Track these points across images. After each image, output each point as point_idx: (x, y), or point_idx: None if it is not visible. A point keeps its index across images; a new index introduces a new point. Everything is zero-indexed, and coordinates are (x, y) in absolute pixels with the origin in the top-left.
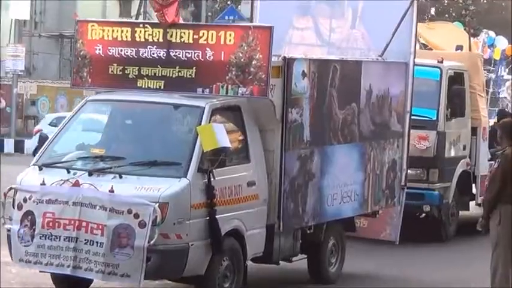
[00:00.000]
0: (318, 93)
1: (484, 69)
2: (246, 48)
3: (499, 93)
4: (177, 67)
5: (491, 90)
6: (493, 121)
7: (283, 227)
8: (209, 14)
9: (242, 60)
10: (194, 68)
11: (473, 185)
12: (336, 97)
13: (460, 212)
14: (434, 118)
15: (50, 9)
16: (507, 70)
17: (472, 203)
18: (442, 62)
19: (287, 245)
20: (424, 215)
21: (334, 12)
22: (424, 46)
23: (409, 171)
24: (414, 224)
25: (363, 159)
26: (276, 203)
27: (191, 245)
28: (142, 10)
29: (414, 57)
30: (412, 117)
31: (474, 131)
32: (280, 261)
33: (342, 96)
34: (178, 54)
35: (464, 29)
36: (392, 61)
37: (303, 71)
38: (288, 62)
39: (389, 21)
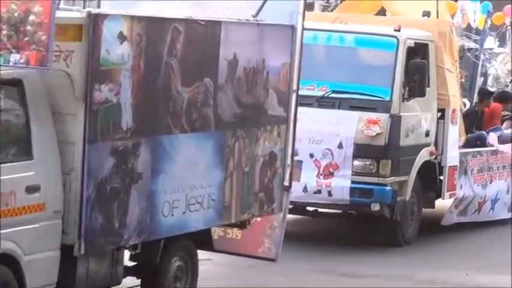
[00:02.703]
0: (148, 63)
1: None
2: None
3: (487, 68)
4: None
5: (480, 65)
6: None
7: (86, 249)
8: None
9: (16, 14)
10: None
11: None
12: (179, 70)
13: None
14: (388, 98)
15: None
16: (497, 42)
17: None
18: (399, 30)
19: (101, 272)
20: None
21: None
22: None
23: (356, 162)
24: (367, 226)
25: (222, 153)
26: (76, 215)
27: None
28: None
29: (303, 19)
30: (360, 96)
31: (442, 113)
32: None
33: (189, 68)
34: None
35: None
36: (270, 23)
37: (121, 33)
38: (95, 20)
39: None
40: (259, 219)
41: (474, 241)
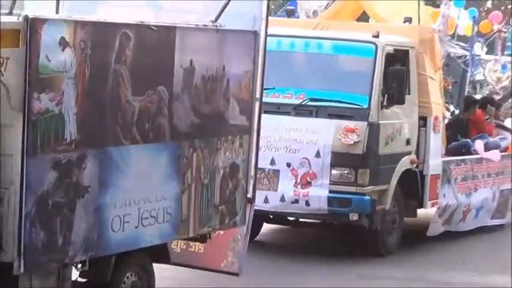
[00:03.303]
0: (94, 71)
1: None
2: None
3: (474, 75)
4: None
5: (469, 73)
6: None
7: (26, 267)
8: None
9: None
10: None
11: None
12: (129, 77)
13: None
14: (366, 106)
15: None
16: (485, 49)
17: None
18: (377, 36)
19: None
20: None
21: None
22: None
23: (334, 171)
24: (349, 235)
25: (179, 164)
26: (15, 232)
27: None
28: None
29: (267, 25)
30: (338, 104)
31: (424, 121)
32: None
33: (140, 76)
34: None
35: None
36: (231, 29)
37: (63, 39)
38: (33, 24)
39: None
40: (221, 232)
41: (461, 249)
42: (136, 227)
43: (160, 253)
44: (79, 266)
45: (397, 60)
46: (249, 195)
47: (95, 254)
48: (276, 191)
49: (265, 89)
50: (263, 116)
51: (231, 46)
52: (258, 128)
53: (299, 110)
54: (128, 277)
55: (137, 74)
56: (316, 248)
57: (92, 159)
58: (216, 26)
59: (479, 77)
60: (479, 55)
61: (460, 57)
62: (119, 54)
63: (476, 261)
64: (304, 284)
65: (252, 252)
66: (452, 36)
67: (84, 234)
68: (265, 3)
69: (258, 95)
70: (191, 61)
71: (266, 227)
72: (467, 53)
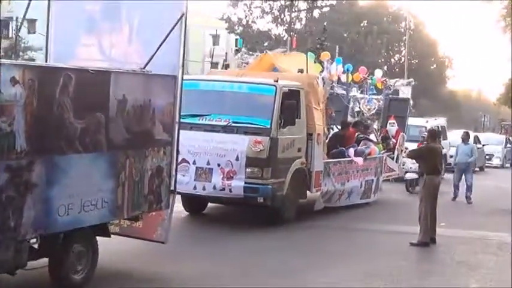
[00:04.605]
0: (40, 101)
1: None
2: None
3: (353, 108)
4: None
5: (351, 105)
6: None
7: None
8: None
9: None
10: None
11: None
12: (71, 106)
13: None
14: (269, 126)
15: None
16: (359, 91)
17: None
18: (277, 81)
19: (5, 259)
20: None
21: (114, 28)
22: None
23: (248, 169)
24: (260, 211)
25: (114, 167)
26: None
27: None
28: None
29: (183, 71)
30: (251, 125)
31: (311, 136)
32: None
33: (81, 105)
34: None
35: (315, 59)
36: (156, 74)
37: (13, 78)
38: None
39: (162, 37)
40: (153, 213)
41: (354, 214)
42: (79, 212)
43: (102, 229)
44: (32, 241)
45: (292, 96)
46: (172, 188)
47: (44, 232)
48: (210, 182)
49: (203, 115)
50: (202, 132)
51: (156, 85)
52: (177, 142)
53: (226, 129)
54: (75, 247)
55: (78, 104)
56: (240, 217)
57: (40, 164)
58: (144, 71)
59: (357, 108)
60: (355, 95)
61: (343, 95)
62: (62, 89)
63: (374, 217)
64: (250, 235)
65: (201, 220)
66: (336, 82)
67: (33, 218)
68: (181, 56)
69: (177, 119)
70: (124, 95)
71: (210, 205)
72: (345, 92)
